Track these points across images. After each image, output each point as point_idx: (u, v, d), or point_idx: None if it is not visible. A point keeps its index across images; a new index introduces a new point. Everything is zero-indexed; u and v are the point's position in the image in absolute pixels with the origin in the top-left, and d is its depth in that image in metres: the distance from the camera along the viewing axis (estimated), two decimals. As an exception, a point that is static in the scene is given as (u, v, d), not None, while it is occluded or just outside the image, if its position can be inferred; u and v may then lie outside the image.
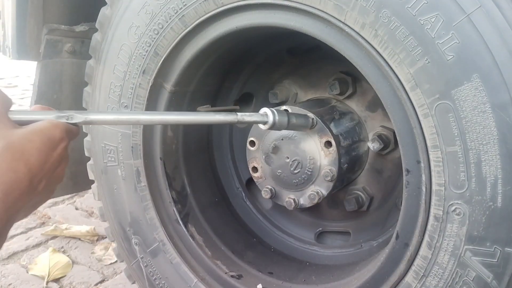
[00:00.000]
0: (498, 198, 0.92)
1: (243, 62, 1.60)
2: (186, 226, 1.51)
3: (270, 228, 1.70)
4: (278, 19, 1.15)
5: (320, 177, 1.35)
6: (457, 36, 0.90)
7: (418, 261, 1.06)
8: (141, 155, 1.45)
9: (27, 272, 2.16)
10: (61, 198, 2.86)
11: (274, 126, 1.17)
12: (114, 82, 1.43)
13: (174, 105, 1.43)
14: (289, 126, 1.22)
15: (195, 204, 1.57)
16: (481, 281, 0.97)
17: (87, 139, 1.57)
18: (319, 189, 1.37)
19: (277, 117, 1.16)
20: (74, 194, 2.82)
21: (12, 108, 0.84)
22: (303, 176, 1.38)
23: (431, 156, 0.98)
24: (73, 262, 2.25)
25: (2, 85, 5.72)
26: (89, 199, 2.89)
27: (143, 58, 1.35)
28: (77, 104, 1.62)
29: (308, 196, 1.39)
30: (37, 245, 2.40)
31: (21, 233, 2.50)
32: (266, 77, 1.66)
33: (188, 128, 1.55)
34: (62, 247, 2.38)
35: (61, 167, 0.85)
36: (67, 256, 2.29)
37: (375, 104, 1.46)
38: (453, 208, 0.98)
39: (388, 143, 1.41)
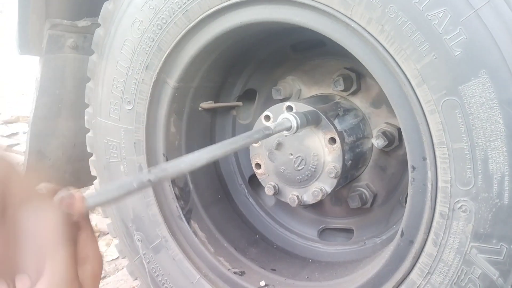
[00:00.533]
0: (505, 195, 0.91)
1: (247, 57, 1.59)
2: (188, 223, 1.50)
3: (273, 225, 1.69)
4: (283, 14, 1.14)
5: (324, 173, 1.35)
6: (464, 31, 0.89)
7: (423, 258, 1.05)
8: (144, 151, 1.44)
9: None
10: (62, 194, 2.85)
11: (297, 130, 1.19)
12: (117, 78, 1.42)
13: (177, 101, 1.42)
14: (307, 125, 1.23)
15: (197, 201, 1.57)
16: (486, 279, 0.97)
17: (89, 135, 1.56)
18: (323, 185, 1.36)
19: (299, 121, 1.19)
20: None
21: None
22: (306, 172, 1.37)
23: (437, 153, 0.98)
24: (75, 258, 2.25)
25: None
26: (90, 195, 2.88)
27: (147, 53, 1.34)
28: (80, 100, 1.61)
29: (312, 192, 1.38)
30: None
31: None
32: (270, 73, 1.65)
33: (191, 124, 1.54)
34: (64, 243, 2.37)
35: None
36: (69, 252, 2.28)
37: (380, 101, 1.45)
38: (459, 205, 0.97)
39: (393, 139, 1.40)
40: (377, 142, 1.38)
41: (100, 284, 2.14)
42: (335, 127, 1.33)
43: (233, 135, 1.74)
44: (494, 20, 0.87)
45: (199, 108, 1.55)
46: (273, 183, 1.45)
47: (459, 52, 0.90)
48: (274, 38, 1.52)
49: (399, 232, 1.10)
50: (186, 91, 1.44)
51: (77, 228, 0.59)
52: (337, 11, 1.03)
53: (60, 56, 1.65)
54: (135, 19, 1.33)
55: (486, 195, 0.93)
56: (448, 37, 0.91)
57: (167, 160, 1.48)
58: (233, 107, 1.69)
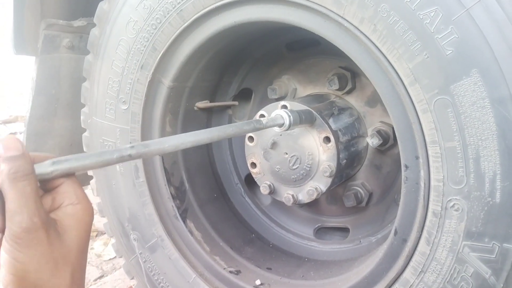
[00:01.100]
0: (497, 194, 0.92)
1: (242, 57, 1.60)
2: (184, 222, 1.51)
3: (268, 224, 1.70)
4: (277, 13, 1.14)
5: (318, 172, 1.35)
6: (456, 30, 0.89)
7: (416, 257, 1.06)
8: (139, 150, 1.44)
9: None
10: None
11: (290, 127, 1.20)
12: (112, 78, 1.42)
13: (172, 101, 1.43)
14: (300, 124, 1.24)
15: (193, 200, 1.57)
16: (479, 277, 0.97)
17: (85, 134, 1.57)
18: (318, 184, 1.37)
19: (292, 118, 1.19)
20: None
21: None
22: (301, 172, 1.37)
23: (429, 152, 0.98)
24: (72, 258, 2.25)
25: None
26: (87, 194, 2.88)
27: (141, 53, 1.34)
28: (76, 100, 1.61)
29: (307, 191, 1.38)
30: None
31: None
32: (265, 72, 1.65)
33: (186, 124, 1.54)
34: (61, 243, 2.38)
35: None
36: (66, 251, 2.29)
37: (375, 100, 1.46)
38: (451, 203, 0.97)
39: (388, 138, 1.41)
40: (372, 141, 1.38)
41: (98, 283, 2.14)
42: (329, 126, 1.33)
43: (229, 134, 1.74)
44: (485, 19, 0.87)
45: (195, 108, 1.55)
46: (268, 182, 1.45)
47: (451, 51, 0.90)
48: (269, 37, 1.52)
49: (393, 231, 1.10)
50: (181, 90, 1.44)
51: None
52: (330, 10, 1.04)
53: (56, 56, 1.66)
54: (130, 19, 1.33)
55: (478, 194, 0.94)
56: (439, 36, 0.91)
57: (162, 159, 1.48)
58: (229, 107, 1.70)
